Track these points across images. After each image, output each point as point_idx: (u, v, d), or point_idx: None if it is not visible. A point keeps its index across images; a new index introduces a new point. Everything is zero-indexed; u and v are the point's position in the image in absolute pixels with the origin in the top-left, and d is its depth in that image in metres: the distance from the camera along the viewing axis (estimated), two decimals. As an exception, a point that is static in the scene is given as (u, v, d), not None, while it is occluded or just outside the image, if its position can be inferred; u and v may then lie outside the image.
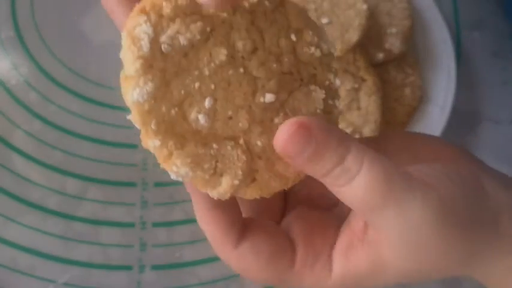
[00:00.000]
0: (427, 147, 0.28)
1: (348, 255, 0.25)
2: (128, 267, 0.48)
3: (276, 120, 0.24)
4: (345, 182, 0.22)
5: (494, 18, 0.61)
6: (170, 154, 0.22)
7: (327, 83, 0.25)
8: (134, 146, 0.51)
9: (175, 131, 0.22)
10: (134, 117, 0.22)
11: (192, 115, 0.22)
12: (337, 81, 0.25)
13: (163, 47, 0.22)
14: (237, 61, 0.23)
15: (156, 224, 0.49)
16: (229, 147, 0.23)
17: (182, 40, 0.22)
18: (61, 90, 0.52)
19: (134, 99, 0.22)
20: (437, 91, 0.54)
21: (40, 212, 0.48)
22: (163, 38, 0.22)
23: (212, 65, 0.23)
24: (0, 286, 0.46)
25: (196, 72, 0.22)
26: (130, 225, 0.49)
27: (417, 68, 0.54)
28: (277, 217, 0.28)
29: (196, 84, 0.22)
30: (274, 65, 0.23)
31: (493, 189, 0.25)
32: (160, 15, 0.22)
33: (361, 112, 0.49)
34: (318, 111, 0.24)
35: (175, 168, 0.22)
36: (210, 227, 0.25)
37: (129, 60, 0.22)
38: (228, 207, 0.25)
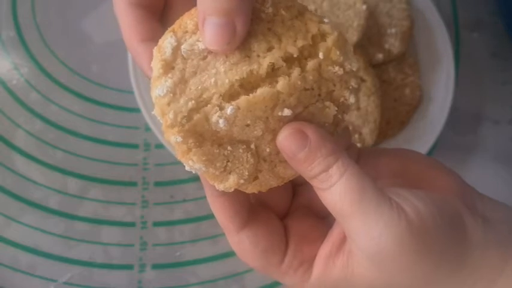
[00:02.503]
0: (423, 174, 0.30)
1: (326, 262, 0.28)
2: (128, 267, 0.48)
3: None
4: (326, 187, 0.26)
5: (493, 18, 0.61)
6: (189, 150, 0.25)
7: (342, 99, 0.27)
8: (135, 145, 0.51)
9: (196, 130, 0.25)
10: (156, 111, 0.25)
11: (214, 118, 0.25)
12: (352, 99, 0.27)
13: (184, 51, 0.25)
14: (252, 59, 0.25)
15: (156, 224, 0.49)
16: (240, 150, 0.26)
17: (201, 46, 0.25)
18: (62, 90, 0.52)
19: (156, 94, 0.25)
20: (437, 91, 0.54)
21: (41, 212, 0.48)
22: (184, 46, 0.25)
23: (227, 63, 0.25)
24: (2, 285, 0.46)
25: (213, 71, 0.25)
26: (131, 224, 0.49)
27: (416, 68, 0.54)
28: (282, 212, 0.31)
29: (213, 80, 0.25)
30: (299, 82, 0.25)
31: (472, 225, 0.27)
32: (185, 32, 0.25)
33: (360, 112, 0.49)
34: (326, 124, 0.27)
35: (191, 163, 0.25)
36: (218, 212, 0.28)
37: (155, 65, 0.25)
38: (234, 196, 0.28)
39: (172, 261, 0.48)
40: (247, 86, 0.25)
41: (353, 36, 0.49)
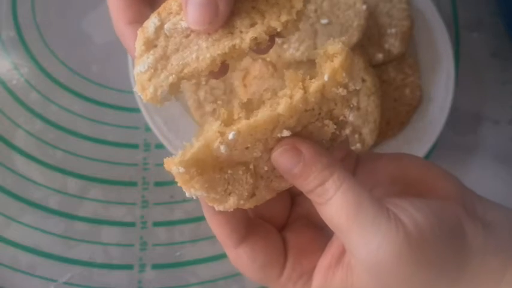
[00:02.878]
0: (422, 178, 0.30)
1: (326, 274, 0.28)
2: (128, 267, 0.48)
3: None
4: (323, 201, 0.26)
5: (493, 18, 0.61)
6: (191, 179, 0.25)
7: (341, 118, 0.27)
8: (135, 145, 0.51)
9: (199, 158, 0.25)
10: (137, 87, 0.25)
11: (215, 145, 0.25)
12: (351, 117, 0.27)
13: (167, 30, 0.25)
14: (235, 35, 0.25)
15: (156, 224, 0.49)
16: (240, 172, 0.26)
17: (184, 24, 0.25)
18: (62, 90, 0.52)
19: (137, 71, 0.25)
20: (437, 91, 0.54)
21: (41, 212, 0.48)
22: (167, 25, 0.25)
23: (210, 39, 0.25)
24: (2, 285, 0.46)
25: (195, 47, 0.25)
26: (131, 224, 0.49)
27: (416, 69, 0.54)
28: (281, 223, 0.31)
29: (194, 55, 0.25)
30: (301, 105, 0.25)
31: (472, 231, 0.27)
32: (169, 13, 0.26)
33: (360, 112, 0.49)
34: (324, 141, 0.27)
35: (193, 190, 0.26)
36: (216, 229, 0.28)
37: (138, 44, 0.26)
38: (231, 213, 0.28)
39: (172, 261, 0.48)
40: (248, 107, 0.25)
41: (353, 36, 0.49)
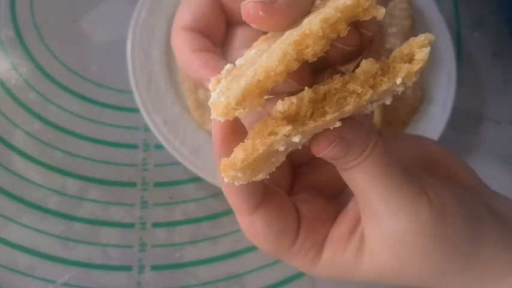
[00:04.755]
0: (444, 164, 0.30)
1: (338, 245, 0.28)
2: (127, 268, 0.48)
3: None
4: (350, 166, 0.25)
5: (494, 18, 0.61)
6: (244, 177, 0.23)
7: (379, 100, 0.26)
8: (134, 146, 0.51)
9: (258, 161, 0.23)
10: (212, 113, 0.23)
11: (277, 146, 0.23)
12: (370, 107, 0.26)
13: (238, 63, 0.25)
14: (303, 26, 0.23)
15: (155, 225, 0.49)
16: (280, 156, 0.25)
17: (255, 53, 0.25)
18: (61, 90, 0.52)
19: (211, 101, 0.23)
20: (438, 91, 0.54)
21: (40, 212, 0.48)
22: (239, 60, 0.26)
23: (278, 41, 0.24)
24: (0, 286, 0.46)
25: (264, 55, 0.23)
26: (130, 225, 0.49)
27: (418, 68, 0.54)
28: (285, 192, 0.30)
29: (264, 56, 0.23)
30: (364, 103, 0.24)
31: (488, 222, 0.27)
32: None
33: (361, 112, 0.49)
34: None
35: (234, 176, 0.23)
36: (231, 195, 0.27)
37: (212, 88, 0.25)
38: None
39: (171, 263, 0.48)
40: (317, 112, 0.23)
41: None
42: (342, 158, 0.25)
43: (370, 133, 0.25)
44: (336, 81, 0.23)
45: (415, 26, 0.54)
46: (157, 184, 0.50)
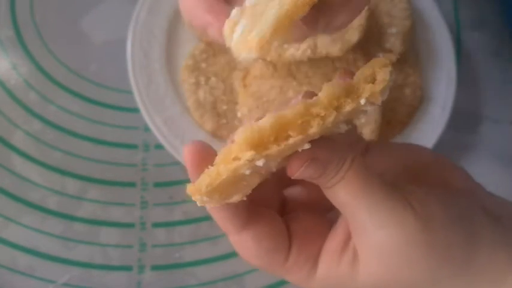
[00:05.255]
0: (434, 170, 0.30)
1: (332, 258, 0.28)
2: (127, 268, 0.48)
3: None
4: (331, 185, 0.26)
5: (494, 18, 0.61)
6: (211, 201, 0.25)
7: (355, 121, 0.26)
8: (134, 146, 0.51)
9: (223, 185, 0.23)
10: (237, 51, 0.23)
11: (242, 171, 0.23)
12: (363, 119, 0.26)
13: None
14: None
15: (155, 225, 0.49)
16: (255, 180, 0.25)
17: None
18: (61, 90, 0.52)
19: (234, 40, 0.24)
20: (438, 91, 0.54)
21: (40, 212, 0.48)
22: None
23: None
24: (0, 286, 0.46)
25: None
26: (130, 225, 0.49)
27: (417, 68, 0.54)
28: (274, 209, 0.31)
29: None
30: (330, 126, 0.24)
31: (482, 224, 0.27)
32: None
33: (361, 112, 0.49)
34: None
35: (201, 200, 0.24)
36: (215, 216, 0.28)
37: (227, 34, 0.24)
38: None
39: (171, 263, 0.48)
40: (280, 136, 0.23)
41: (353, 36, 0.48)
42: (320, 178, 0.25)
43: (346, 151, 0.25)
44: (299, 106, 0.23)
45: (414, 26, 0.54)
46: (157, 184, 0.50)
